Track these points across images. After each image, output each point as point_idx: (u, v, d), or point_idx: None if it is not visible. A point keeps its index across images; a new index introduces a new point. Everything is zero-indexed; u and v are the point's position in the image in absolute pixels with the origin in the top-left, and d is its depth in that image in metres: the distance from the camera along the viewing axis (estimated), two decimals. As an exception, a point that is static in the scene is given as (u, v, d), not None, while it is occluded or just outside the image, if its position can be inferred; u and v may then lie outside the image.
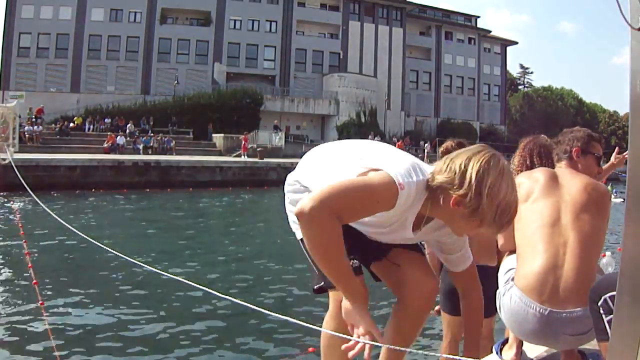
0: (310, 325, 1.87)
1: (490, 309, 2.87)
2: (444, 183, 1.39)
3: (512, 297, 1.92)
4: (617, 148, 3.22)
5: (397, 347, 1.66)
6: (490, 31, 50.17)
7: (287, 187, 1.81)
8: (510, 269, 2.06)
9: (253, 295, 6.16)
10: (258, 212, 15.81)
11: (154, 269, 3.14)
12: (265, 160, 24.18)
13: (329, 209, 1.31)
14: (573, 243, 1.89)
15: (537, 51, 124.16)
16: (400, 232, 1.53)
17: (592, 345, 1.94)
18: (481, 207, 1.34)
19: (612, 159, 3.17)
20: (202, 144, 30.11)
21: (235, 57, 38.63)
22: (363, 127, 37.50)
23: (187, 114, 32.17)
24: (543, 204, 2.00)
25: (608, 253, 3.17)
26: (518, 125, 51.56)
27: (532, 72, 77.24)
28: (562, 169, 2.19)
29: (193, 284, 2.62)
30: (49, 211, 6.09)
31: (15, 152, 18.87)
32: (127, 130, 28.61)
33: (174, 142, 28.11)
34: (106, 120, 30.61)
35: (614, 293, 1.20)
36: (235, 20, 38.68)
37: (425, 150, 32.35)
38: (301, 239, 1.64)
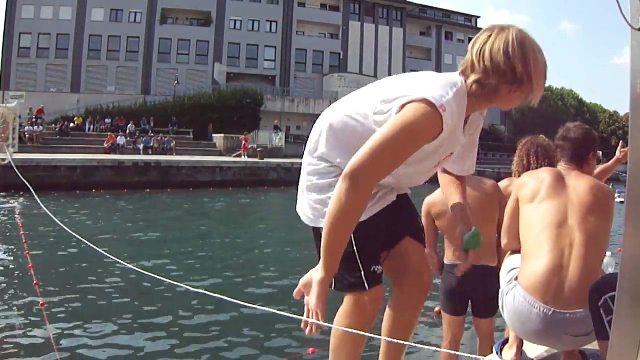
0: (316, 321, 1.86)
1: (491, 308, 2.88)
2: (482, 78, 1.39)
3: (516, 296, 1.92)
4: (621, 142, 3.21)
5: (402, 341, 1.67)
6: (491, 31, 50.10)
7: (308, 169, 1.64)
8: (513, 268, 2.06)
9: (254, 295, 6.17)
10: (258, 212, 15.82)
11: (149, 274, 3.14)
12: (266, 160, 24.17)
13: (377, 176, 1.32)
14: (579, 244, 1.89)
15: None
16: (454, 144, 1.50)
17: (592, 345, 1.94)
18: (525, 80, 1.37)
19: (617, 153, 3.17)
20: (202, 144, 30.11)
21: (235, 57, 38.64)
22: (363, 127, 37.53)
23: (187, 114, 32.17)
24: (550, 204, 2.00)
25: (608, 253, 3.17)
26: (518, 125, 51.50)
27: (532, 72, 77.00)
28: (566, 168, 2.18)
29: (190, 288, 2.62)
30: (49, 213, 6.08)
31: (14, 152, 18.88)
32: (127, 130, 28.61)
33: (174, 142, 28.10)
34: (106, 120, 30.61)
35: (614, 293, 1.20)
36: (235, 20, 38.69)
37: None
38: (313, 227, 1.61)
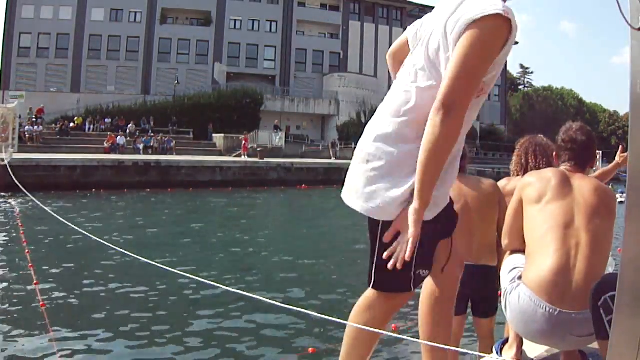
0: (320, 315, 1.86)
1: (491, 308, 2.88)
2: None
3: (521, 296, 1.92)
4: (620, 147, 3.20)
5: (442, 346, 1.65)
6: (491, 31, 50.12)
7: (368, 157, 1.52)
8: (515, 268, 2.06)
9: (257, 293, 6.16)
10: (258, 212, 15.83)
11: (156, 264, 3.14)
12: (266, 160, 24.17)
13: (467, 99, 1.34)
14: (585, 245, 1.90)
15: (537, 51, 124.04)
16: (502, 64, 1.51)
17: (592, 345, 1.95)
18: None
19: (617, 158, 3.16)
20: (203, 144, 30.11)
21: (235, 57, 38.64)
22: (363, 127, 37.23)
23: (187, 114, 32.18)
24: (557, 206, 2.00)
25: (608, 253, 3.17)
26: (518, 125, 51.56)
27: (532, 72, 77.15)
28: (569, 170, 2.17)
29: (194, 277, 2.62)
30: (51, 212, 6.09)
31: (14, 153, 18.88)
32: (128, 130, 28.62)
33: (174, 142, 28.11)
34: (106, 120, 30.62)
35: (614, 293, 1.20)
36: (235, 20, 38.69)
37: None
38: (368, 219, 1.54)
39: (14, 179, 10.83)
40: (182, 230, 11.19)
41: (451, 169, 1.55)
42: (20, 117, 23.80)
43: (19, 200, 14.10)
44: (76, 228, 4.94)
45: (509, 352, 2.22)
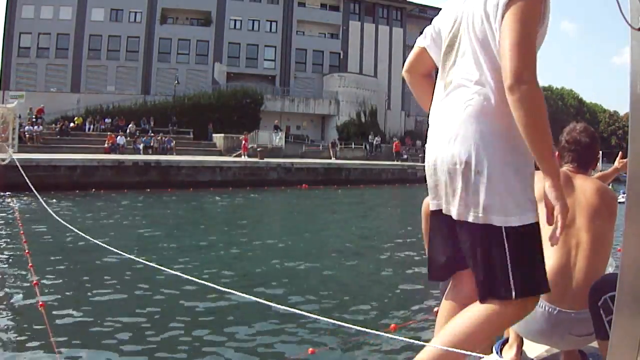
0: (317, 317, 1.86)
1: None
2: None
3: None
4: (620, 153, 3.19)
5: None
6: (490, 31, 50.17)
7: (475, 167, 1.42)
8: None
9: (254, 294, 6.16)
10: (258, 212, 15.82)
11: (155, 265, 3.14)
12: (266, 160, 24.17)
13: (534, 67, 1.32)
14: (585, 245, 1.90)
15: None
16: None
17: (593, 344, 1.95)
18: None
19: (616, 163, 3.15)
20: (202, 144, 30.13)
21: (235, 57, 38.64)
22: (363, 127, 37.51)
23: (187, 114, 32.19)
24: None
25: (609, 253, 3.17)
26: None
27: (532, 72, 76.89)
28: (571, 171, 2.17)
29: (194, 279, 2.62)
30: (51, 212, 6.09)
31: (14, 152, 18.88)
32: (128, 130, 28.62)
33: (174, 142, 28.12)
34: (106, 120, 30.64)
35: (614, 293, 1.20)
36: (235, 20, 38.69)
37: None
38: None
39: (25, 177, 10.81)
40: (181, 230, 11.19)
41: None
42: (20, 117, 23.81)
43: (19, 200, 14.10)
44: (81, 233, 4.94)
45: (509, 352, 2.22)
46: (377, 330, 1.58)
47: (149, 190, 18.12)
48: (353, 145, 34.55)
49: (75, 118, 30.66)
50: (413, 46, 1.85)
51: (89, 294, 6.04)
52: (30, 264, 6.76)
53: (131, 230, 10.97)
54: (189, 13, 38.34)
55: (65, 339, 4.56)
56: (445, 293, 1.70)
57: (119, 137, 26.60)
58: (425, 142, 1.64)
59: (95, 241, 4.20)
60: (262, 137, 29.95)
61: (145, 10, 36.80)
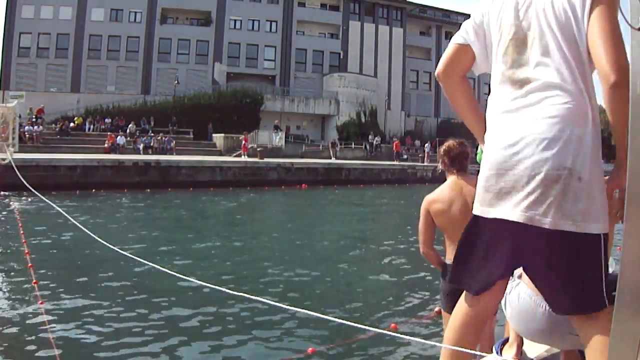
0: (313, 313, 1.86)
1: (491, 308, 2.87)
2: None
3: (521, 295, 1.92)
4: None
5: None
6: (490, 31, 50.20)
7: (580, 173, 1.36)
8: None
9: (254, 294, 6.16)
10: (258, 212, 15.82)
11: (155, 265, 3.15)
12: (266, 160, 24.17)
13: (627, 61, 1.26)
14: None
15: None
16: None
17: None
18: None
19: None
20: (202, 144, 30.13)
21: (235, 57, 38.65)
22: (363, 127, 37.52)
23: (187, 114, 32.20)
24: None
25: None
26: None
27: (532, 72, 77.00)
28: None
29: (195, 280, 2.62)
30: (59, 209, 6.09)
31: (14, 152, 18.88)
32: (128, 130, 28.63)
33: (174, 142, 28.13)
34: (106, 120, 30.66)
35: (614, 293, 1.20)
36: (235, 20, 38.70)
37: (426, 151, 32.35)
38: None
39: (21, 178, 10.83)
40: (181, 230, 11.19)
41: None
42: (20, 117, 23.80)
43: (19, 200, 14.10)
44: (92, 235, 4.94)
45: (509, 351, 2.22)
46: (375, 330, 1.58)
47: (148, 190, 18.13)
48: (353, 145, 34.56)
49: (75, 118, 30.67)
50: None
51: (90, 293, 6.04)
52: (30, 264, 6.76)
53: (131, 230, 10.97)
54: (189, 13, 38.34)
55: (65, 339, 4.56)
56: (464, 300, 1.64)
57: (119, 137, 26.61)
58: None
59: (106, 243, 4.20)
60: (262, 137, 29.95)
61: (145, 10, 36.81)
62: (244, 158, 25.04)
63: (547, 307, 1.83)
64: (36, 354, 4.22)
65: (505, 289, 1.59)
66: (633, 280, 1.08)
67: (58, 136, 26.78)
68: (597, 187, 1.36)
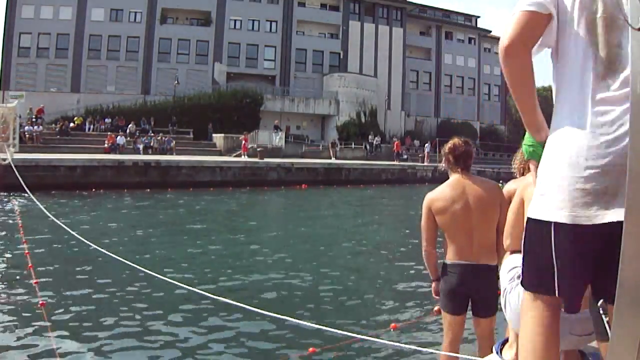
0: (311, 324, 1.85)
1: (491, 308, 2.88)
2: None
3: (521, 295, 1.92)
4: None
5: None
6: (491, 31, 50.22)
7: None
8: (514, 267, 2.06)
9: (253, 295, 6.16)
10: (258, 212, 15.81)
11: (151, 272, 3.14)
12: (266, 160, 24.17)
13: None
14: None
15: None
16: None
17: (593, 344, 1.94)
18: None
19: None
20: (202, 144, 30.14)
21: (235, 57, 38.65)
22: (363, 127, 37.52)
23: (187, 114, 32.21)
24: None
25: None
26: (518, 125, 51.45)
27: (532, 72, 76.99)
28: None
29: (190, 288, 2.62)
30: (48, 213, 6.09)
31: (15, 152, 18.89)
32: (128, 130, 28.63)
33: (174, 142, 28.13)
34: (106, 120, 30.67)
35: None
36: (235, 20, 38.70)
37: (426, 151, 32.35)
38: None
39: (20, 179, 10.85)
40: (180, 231, 11.18)
41: None
42: (20, 117, 23.81)
43: (19, 200, 14.10)
44: (78, 236, 4.94)
45: (509, 351, 2.22)
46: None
47: (148, 190, 18.13)
48: (353, 145, 34.56)
49: (75, 118, 30.67)
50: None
51: (89, 293, 6.04)
52: (30, 264, 6.76)
53: (131, 231, 10.96)
54: (189, 13, 38.34)
55: (65, 339, 4.56)
56: (544, 319, 1.50)
57: (119, 137, 26.61)
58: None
59: (96, 246, 4.20)
60: (262, 137, 29.96)
61: (145, 10, 36.81)
62: (244, 158, 25.04)
63: (547, 307, 1.83)
64: (37, 354, 4.22)
65: None
66: (633, 281, 1.08)
67: (58, 136, 26.79)
68: None
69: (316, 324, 1.96)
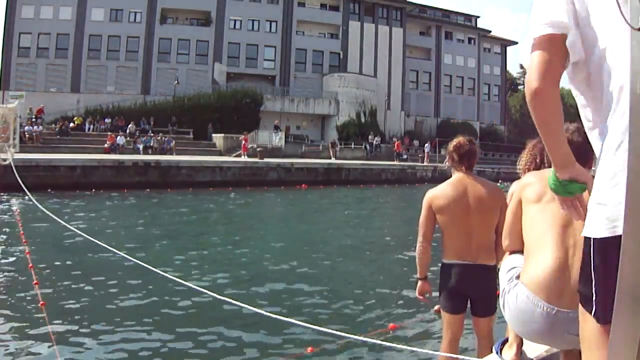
0: (310, 325, 1.86)
1: (490, 308, 2.88)
2: None
3: (519, 295, 1.92)
4: None
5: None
6: (490, 31, 50.23)
7: None
8: (513, 267, 2.07)
9: (253, 295, 6.16)
10: (258, 212, 15.81)
11: (155, 269, 3.15)
12: (265, 160, 24.17)
13: None
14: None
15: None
16: None
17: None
18: None
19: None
20: (202, 144, 30.14)
21: (235, 57, 38.65)
22: (363, 127, 37.52)
23: (187, 114, 32.21)
24: (556, 205, 2.00)
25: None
26: (518, 126, 51.56)
27: (532, 72, 76.88)
28: None
29: (192, 285, 2.62)
30: (48, 212, 6.09)
31: (15, 153, 18.88)
32: (128, 130, 28.63)
33: (174, 142, 28.13)
34: (106, 120, 30.67)
35: (614, 293, 1.19)
36: (235, 20, 38.70)
37: (425, 151, 32.35)
38: None
39: (19, 179, 10.85)
40: (180, 231, 11.19)
41: None
42: (20, 117, 23.81)
43: (19, 200, 14.10)
44: (82, 233, 4.94)
45: (509, 352, 2.23)
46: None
47: (148, 190, 18.12)
48: (353, 145, 34.56)
49: (75, 118, 30.67)
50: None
51: (90, 293, 6.04)
52: (30, 264, 6.76)
53: (131, 231, 10.96)
54: (188, 13, 38.34)
55: (65, 338, 4.56)
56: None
57: (118, 137, 26.61)
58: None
59: (98, 242, 4.20)
60: (262, 137, 29.96)
61: (145, 10, 36.80)
62: (244, 158, 25.04)
63: (546, 307, 1.83)
64: (37, 354, 4.22)
65: None
66: (632, 280, 1.08)
67: (58, 136, 26.79)
68: None
69: (314, 324, 1.96)
